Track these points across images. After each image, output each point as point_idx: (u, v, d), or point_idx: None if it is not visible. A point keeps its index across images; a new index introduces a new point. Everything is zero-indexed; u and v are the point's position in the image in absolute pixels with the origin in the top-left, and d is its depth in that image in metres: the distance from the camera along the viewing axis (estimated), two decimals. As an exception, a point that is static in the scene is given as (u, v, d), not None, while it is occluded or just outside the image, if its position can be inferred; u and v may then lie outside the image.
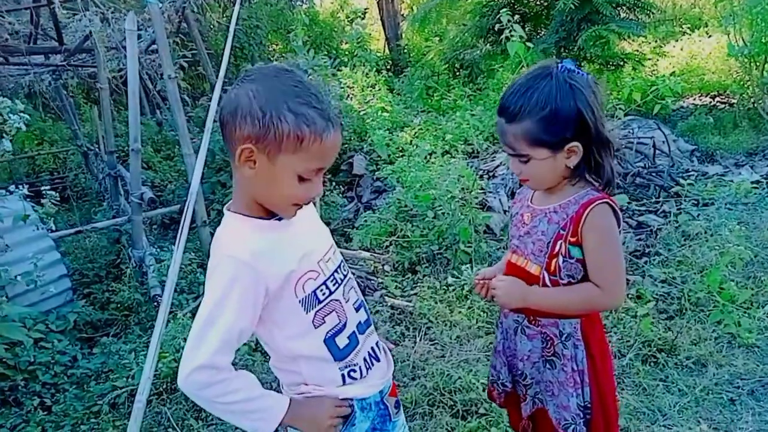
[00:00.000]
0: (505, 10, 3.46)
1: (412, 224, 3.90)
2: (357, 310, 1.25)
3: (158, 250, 3.92)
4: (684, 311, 2.86)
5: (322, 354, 1.17)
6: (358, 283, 3.38)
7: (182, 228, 2.70)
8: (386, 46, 14.24)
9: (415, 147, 5.19)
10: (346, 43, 14.34)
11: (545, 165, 1.28)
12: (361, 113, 7.20)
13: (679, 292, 2.99)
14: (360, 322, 1.24)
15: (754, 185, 4.45)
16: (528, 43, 3.55)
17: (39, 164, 7.60)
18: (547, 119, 1.23)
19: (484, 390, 2.29)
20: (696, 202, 4.15)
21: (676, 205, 4.03)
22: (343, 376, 1.20)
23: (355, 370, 1.21)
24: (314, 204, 1.28)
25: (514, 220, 1.49)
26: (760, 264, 3.21)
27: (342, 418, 1.19)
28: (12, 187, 3.32)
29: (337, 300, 1.19)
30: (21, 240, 3.43)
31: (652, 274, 3.15)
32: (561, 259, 1.31)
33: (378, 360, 1.27)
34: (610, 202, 1.27)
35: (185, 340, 1.81)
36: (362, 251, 3.78)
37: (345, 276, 1.25)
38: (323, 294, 1.17)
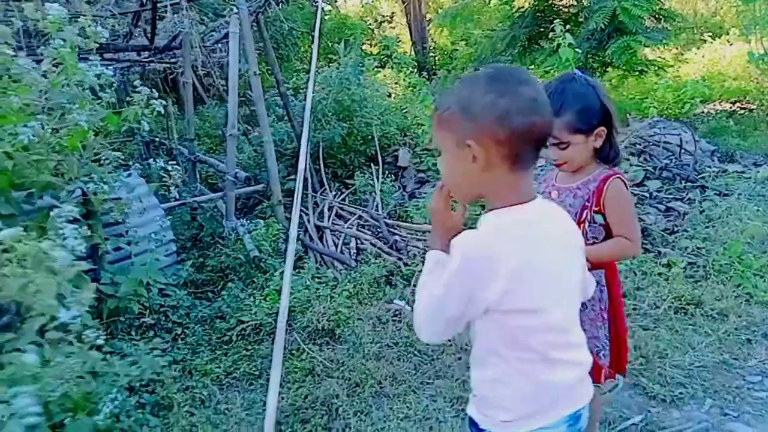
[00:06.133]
0: (558, 21, 4.01)
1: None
2: None
3: (248, 222, 4.52)
4: (708, 276, 3.40)
5: None
6: (424, 251, 4.04)
7: (296, 199, 3.31)
8: (413, 49, 14.75)
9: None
10: (374, 45, 14.93)
11: (580, 148, 1.65)
12: (403, 110, 7.75)
13: (704, 261, 3.53)
14: None
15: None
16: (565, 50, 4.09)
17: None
18: (581, 111, 1.62)
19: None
20: (718, 193, 4.69)
21: (701, 194, 4.57)
22: None
23: None
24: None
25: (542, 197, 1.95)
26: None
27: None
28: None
29: None
30: (138, 208, 4.05)
31: (680, 246, 3.69)
32: (587, 224, 1.69)
33: None
34: (622, 177, 1.68)
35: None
36: (426, 225, 4.34)
37: None
38: None
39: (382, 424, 2.36)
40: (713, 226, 3.91)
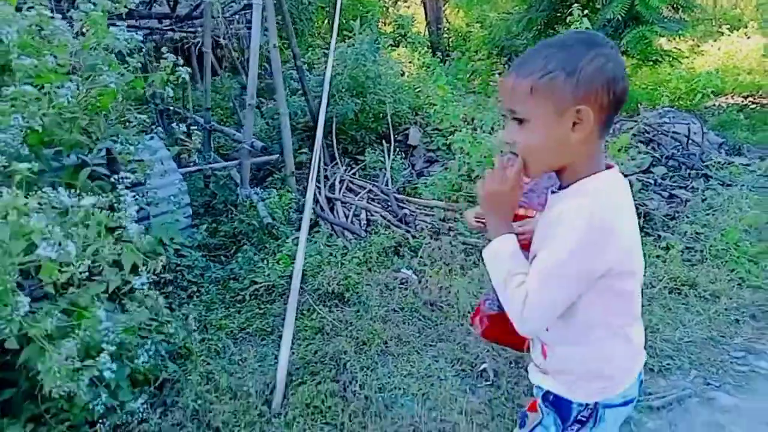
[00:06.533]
0: (576, 5, 4.08)
1: (475, 183, 4.59)
2: None
3: (261, 189, 4.67)
4: (705, 260, 3.53)
5: None
6: (432, 225, 4.12)
7: (313, 167, 3.44)
8: (427, 29, 14.69)
9: (477, 120, 5.84)
10: (389, 24, 14.89)
11: None
12: (416, 90, 7.82)
13: (702, 246, 3.66)
14: None
15: (770, 176, 5.07)
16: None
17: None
18: None
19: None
20: (721, 183, 4.79)
21: (704, 183, 4.68)
22: None
23: None
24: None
25: None
26: (766, 223, 3.84)
27: None
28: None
29: None
30: (159, 171, 4.20)
31: (680, 231, 3.82)
32: None
33: None
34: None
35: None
36: (434, 200, 4.48)
37: None
38: None
39: (387, 380, 2.52)
40: (713, 214, 4.02)
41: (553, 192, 1.18)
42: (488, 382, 2.54)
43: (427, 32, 14.41)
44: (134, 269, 2.28)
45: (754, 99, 9.01)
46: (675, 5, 8.22)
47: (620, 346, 1.20)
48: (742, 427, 2.25)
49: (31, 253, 2.00)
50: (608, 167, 1.13)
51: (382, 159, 5.97)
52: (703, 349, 2.73)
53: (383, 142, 6.33)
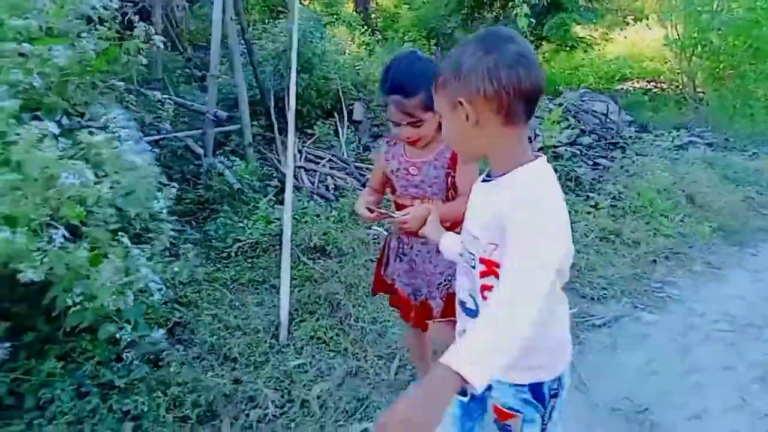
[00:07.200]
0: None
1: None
2: None
3: (224, 158, 4.85)
4: (626, 214, 4.19)
5: None
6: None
7: (291, 131, 3.71)
8: (354, 9, 14.85)
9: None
10: (310, 2, 14.94)
11: (431, 124, 1.68)
12: (356, 67, 8.11)
13: (623, 204, 4.32)
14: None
15: (677, 148, 5.90)
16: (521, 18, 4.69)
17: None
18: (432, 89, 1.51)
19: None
20: (636, 153, 5.53)
21: (621, 154, 5.39)
22: None
23: None
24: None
25: (398, 173, 1.83)
26: (679, 189, 4.57)
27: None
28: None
29: None
30: (126, 138, 4.29)
31: (605, 191, 4.47)
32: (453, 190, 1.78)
33: None
34: None
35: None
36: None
37: None
38: None
39: (377, 314, 2.91)
40: (630, 178, 4.71)
41: (484, 180, 1.23)
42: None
43: (355, 12, 14.57)
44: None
45: (656, 83, 10.06)
46: (589, -4, 8.99)
47: (562, 306, 1.30)
48: (662, 336, 2.85)
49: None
50: (536, 157, 1.17)
51: (330, 132, 6.26)
52: (630, 282, 3.33)
53: (328, 117, 6.60)
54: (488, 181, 1.20)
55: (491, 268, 1.16)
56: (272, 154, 5.49)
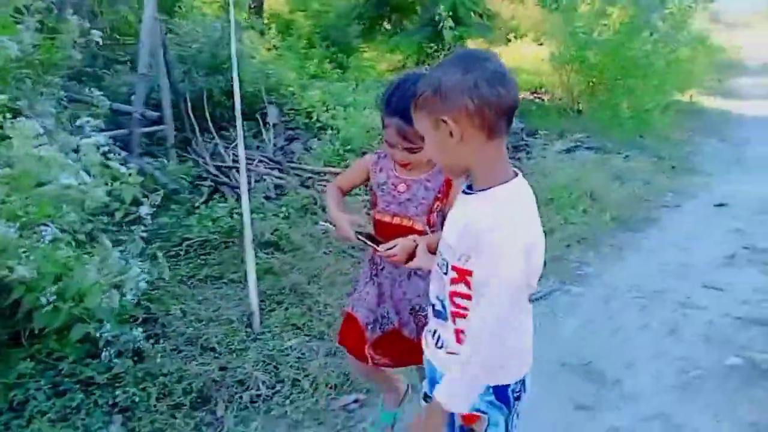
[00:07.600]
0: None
1: (355, 154, 5.26)
2: None
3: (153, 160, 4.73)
4: (540, 207, 4.69)
5: None
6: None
7: (239, 133, 3.77)
8: (248, 14, 14.67)
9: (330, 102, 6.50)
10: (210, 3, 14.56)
11: (427, 154, 1.50)
12: (268, 72, 8.14)
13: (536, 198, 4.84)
14: None
15: (566, 151, 6.68)
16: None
17: None
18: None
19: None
20: (539, 156, 6.18)
21: (526, 155, 6.02)
22: None
23: None
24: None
25: (384, 188, 1.79)
26: (578, 186, 5.22)
27: None
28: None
29: None
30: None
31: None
32: (436, 215, 1.74)
33: None
34: None
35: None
36: (328, 167, 5.03)
37: None
38: None
39: (344, 300, 3.07)
40: (537, 177, 5.29)
41: (465, 192, 1.27)
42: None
43: (248, 17, 14.37)
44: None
45: (538, 95, 11.12)
46: (481, 13, 9.79)
47: (527, 316, 1.35)
48: (588, 305, 3.34)
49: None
50: (516, 174, 1.24)
51: (248, 135, 6.27)
52: (553, 263, 3.80)
53: (244, 120, 6.58)
54: (469, 194, 1.25)
55: (463, 276, 1.23)
56: (194, 156, 5.41)
